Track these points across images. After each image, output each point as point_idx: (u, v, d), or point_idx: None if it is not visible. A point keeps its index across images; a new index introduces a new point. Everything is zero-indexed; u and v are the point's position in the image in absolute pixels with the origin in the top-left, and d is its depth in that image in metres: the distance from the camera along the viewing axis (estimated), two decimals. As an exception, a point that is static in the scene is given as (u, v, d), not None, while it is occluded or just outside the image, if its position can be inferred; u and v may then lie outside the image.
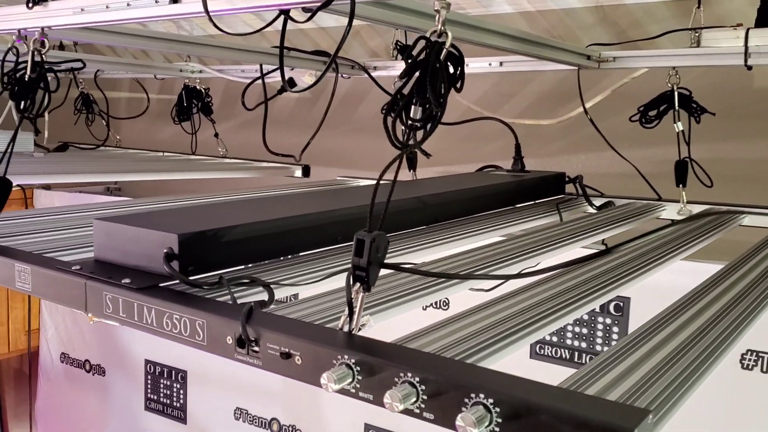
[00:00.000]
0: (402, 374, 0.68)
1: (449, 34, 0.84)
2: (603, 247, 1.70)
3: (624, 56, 1.90)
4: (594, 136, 2.04)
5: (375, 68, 2.40)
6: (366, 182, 2.35)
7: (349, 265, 1.12)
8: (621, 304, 1.91)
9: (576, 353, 1.99)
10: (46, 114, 2.62)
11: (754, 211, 1.71)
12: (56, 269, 0.99)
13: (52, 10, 1.32)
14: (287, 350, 0.76)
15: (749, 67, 1.71)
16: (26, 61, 1.36)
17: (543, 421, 0.59)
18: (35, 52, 1.35)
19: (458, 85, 0.88)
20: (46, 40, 1.37)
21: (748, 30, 1.68)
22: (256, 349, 0.79)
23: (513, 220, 1.58)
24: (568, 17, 2.33)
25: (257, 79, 2.16)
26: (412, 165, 2.27)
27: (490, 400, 0.62)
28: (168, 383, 2.87)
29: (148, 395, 2.96)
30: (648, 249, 1.29)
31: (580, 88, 1.98)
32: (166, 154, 3.04)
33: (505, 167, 2.02)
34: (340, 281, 1.03)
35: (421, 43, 0.84)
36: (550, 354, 2.03)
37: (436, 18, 0.85)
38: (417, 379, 0.67)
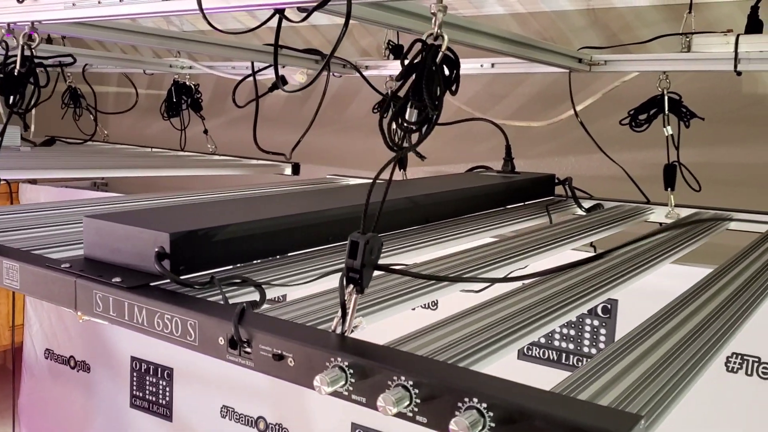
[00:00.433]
0: (395, 377, 0.68)
1: (446, 37, 0.84)
2: (592, 250, 1.72)
3: (615, 60, 1.91)
4: (583, 139, 2.05)
5: (367, 68, 2.40)
6: (356, 181, 2.35)
7: (341, 266, 1.13)
8: (609, 306, 1.92)
9: (564, 355, 2.00)
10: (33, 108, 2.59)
11: (740, 217, 1.72)
12: (45, 267, 0.98)
13: (43, 5, 1.31)
14: (280, 352, 0.76)
15: (739, 73, 1.72)
16: (15, 56, 1.34)
17: (536, 426, 0.60)
18: (25, 47, 1.34)
19: (453, 88, 0.88)
20: (35, 35, 1.36)
21: (738, 36, 1.69)
22: (248, 350, 0.78)
23: (503, 221, 1.59)
24: (560, 19, 2.34)
25: (248, 76, 2.15)
26: (403, 165, 2.27)
27: (484, 405, 0.62)
28: (154, 380, 2.85)
29: (134, 392, 2.95)
30: (637, 253, 1.30)
31: (571, 91, 1.99)
32: (154, 150, 3.03)
33: (495, 168, 2.03)
34: (331, 282, 1.03)
35: (418, 46, 0.84)
36: (537, 355, 2.04)
37: (433, 21, 0.85)
38: (410, 382, 0.67)
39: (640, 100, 1.95)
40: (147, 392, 2.88)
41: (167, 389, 2.82)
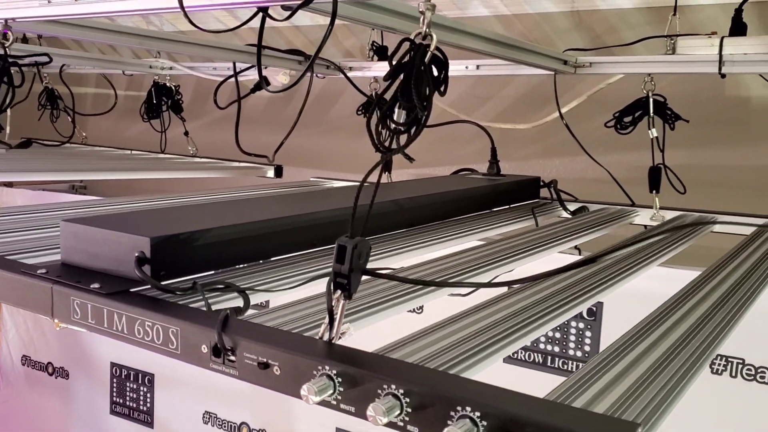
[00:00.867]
0: (385, 386, 0.66)
1: (434, 36, 0.82)
2: (576, 253, 1.71)
3: (600, 62, 1.91)
4: (568, 141, 2.05)
5: (350, 69, 2.38)
6: (340, 183, 2.32)
7: (325, 271, 1.11)
8: (594, 309, 1.92)
9: (549, 358, 1.99)
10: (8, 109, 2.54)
11: (725, 219, 1.72)
12: (20, 273, 0.95)
13: (17, 1, 1.27)
14: (265, 360, 0.73)
15: (723, 75, 1.73)
16: (-11, 55, 1.31)
17: (531, 436, 0.58)
18: (-1, 45, 1.30)
19: (442, 89, 0.86)
20: (9, 33, 1.32)
21: (722, 38, 1.70)
22: (233, 358, 0.76)
23: (489, 224, 1.58)
24: (544, 21, 2.34)
25: (230, 77, 2.13)
26: (388, 167, 2.25)
27: (477, 414, 0.61)
28: (134, 386, 2.80)
29: (114, 399, 2.89)
30: (624, 256, 1.29)
31: (557, 93, 1.98)
32: (134, 152, 2.98)
33: (480, 170, 2.02)
34: (315, 287, 1.01)
35: (406, 46, 0.82)
36: (523, 359, 2.03)
37: (421, 20, 0.83)
38: (401, 391, 0.65)
39: (625, 103, 1.95)
40: (127, 398, 2.83)
41: (148, 395, 2.78)
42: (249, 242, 1.09)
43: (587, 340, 1.94)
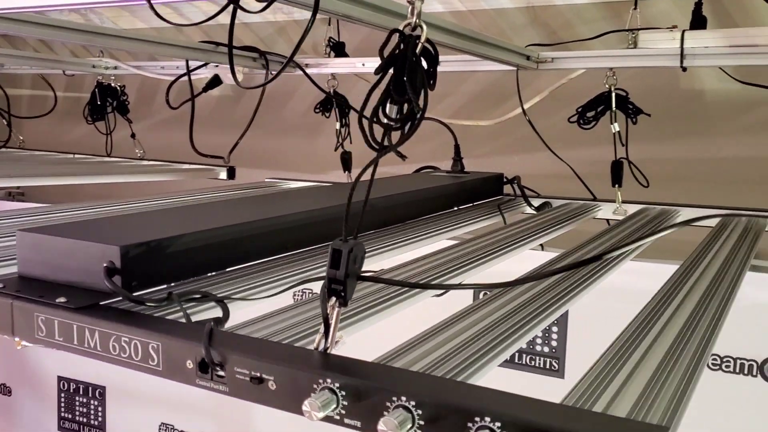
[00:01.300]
0: (395, 398, 0.62)
1: (424, 27, 0.79)
2: (540, 249, 1.70)
3: (563, 57, 1.91)
4: (527, 137, 2.04)
5: (307, 65, 2.32)
6: (296, 184, 2.26)
7: (303, 275, 1.06)
8: (560, 304, 1.91)
9: (516, 354, 1.98)
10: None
11: (688, 212, 1.74)
12: (-26, 288, 0.86)
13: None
14: (259, 374, 0.68)
15: (684, 69, 1.74)
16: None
17: (558, 445, 0.55)
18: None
19: (431, 83, 0.82)
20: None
21: (683, 32, 1.71)
22: (222, 373, 0.71)
23: (458, 222, 1.55)
24: (500, 17, 2.33)
25: (183, 75, 2.05)
26: (347, 166, 2.20)
27: (498, 424, 0.57)
28: (84, 401, 2.67)
29: (62, 414, 2.76)
30: (597, 254, 1.29)
31: (519, 89, 1.97)
32: (77, 156, 2.84)
33: (442, 168, 1.99)
34: (289, 294, 0.96)
35: (396, 38, 0.78)
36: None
37: (410, 10, 0.79)
38: (412, 403, 0.61)
39: (584, 98, 1.95)
40: (77, 413, 2.70)
41: (99, 409, 2.65)
42: (223, 248, 1.03)
43: (554, 335, 1.94)
